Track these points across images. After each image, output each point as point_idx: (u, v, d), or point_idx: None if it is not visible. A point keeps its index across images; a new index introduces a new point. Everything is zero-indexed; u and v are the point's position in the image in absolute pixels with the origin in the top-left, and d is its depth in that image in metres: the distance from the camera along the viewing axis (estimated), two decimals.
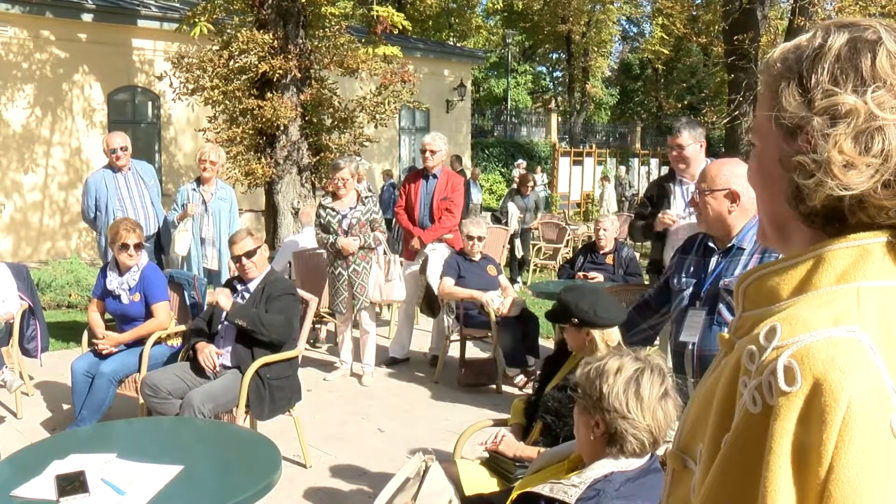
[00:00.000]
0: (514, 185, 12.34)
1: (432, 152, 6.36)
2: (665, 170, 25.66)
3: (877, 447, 0.76)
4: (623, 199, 21.19)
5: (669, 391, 2.03)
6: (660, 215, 4.66)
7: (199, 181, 6.48)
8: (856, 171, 0.85)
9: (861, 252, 0.87)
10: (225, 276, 6.07)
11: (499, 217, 11.35)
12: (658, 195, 4.95)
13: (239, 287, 4.48)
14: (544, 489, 2.07)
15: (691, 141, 4.70)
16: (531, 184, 11.83)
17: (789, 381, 0.79)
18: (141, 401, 4.28)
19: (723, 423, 0.88)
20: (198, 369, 4.24)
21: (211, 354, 4.22)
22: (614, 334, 3.05)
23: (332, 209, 5.97)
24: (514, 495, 2.24)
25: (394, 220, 7.21)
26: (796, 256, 0.92)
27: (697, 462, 0.94)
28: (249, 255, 4.39)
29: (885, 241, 0.88)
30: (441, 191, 6.36)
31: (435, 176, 6.41)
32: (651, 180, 12.90)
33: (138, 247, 4.74)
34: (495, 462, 3.00)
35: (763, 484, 0.79)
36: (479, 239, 6.14)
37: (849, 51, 0.87)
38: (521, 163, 23.24)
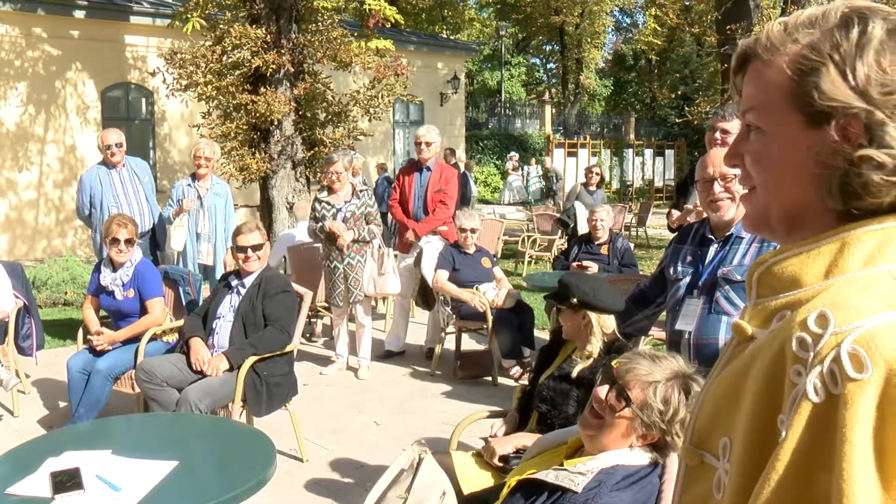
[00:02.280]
0: (581, 181, 10.64)
1: (427, 144, 6.37)
2: (661, 160, 25.27)
3: None
4: (552, 191, 19.48)
5: None
6: (670, 217, 4.67)
7: (195, 177, 6.48)
8: None
9: (885, 235, 0.86)
10: (220, 272, 6.06)
11: (565, 221, 9.99)
12: (683, 187, 4.97)
13: (234, 282, 4.47)
14: (549, 476, 2.03)
15: (735, 131, 4.50)
16: (596, 176, 10.29)
17: (857, 367, 0.76)
18: (137, 390, 4.27)
19: (762, 416, 0.85)
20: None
21: (201, 359, 4.17)
22: (610, 321, 3.08)
23: (328, 203, 5.97)
24: (511, 483, 2.21)
25: (388, 213, 7.19)
26: (816, 241, 0.90)
27: (720, 457, 0.92)
28: (256, 248, 4.40)
29: None
30: (435, 183, 6.36)
31: (429, 168, 6.42)
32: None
33: (129, 242, 4.72)
34: None
35: (839, 475, 0.75)
36: (473, 231, 6.14)
37: (889, 38, 0.85)
38: (514, 155, 23.24)
